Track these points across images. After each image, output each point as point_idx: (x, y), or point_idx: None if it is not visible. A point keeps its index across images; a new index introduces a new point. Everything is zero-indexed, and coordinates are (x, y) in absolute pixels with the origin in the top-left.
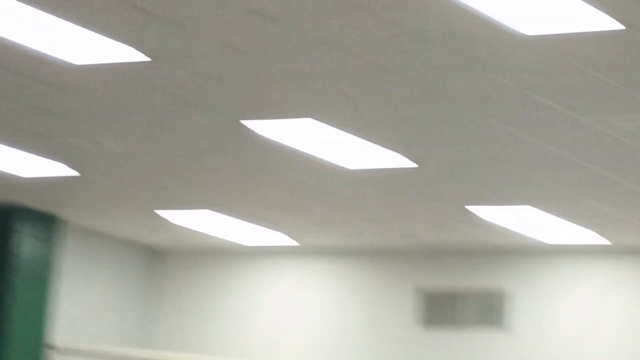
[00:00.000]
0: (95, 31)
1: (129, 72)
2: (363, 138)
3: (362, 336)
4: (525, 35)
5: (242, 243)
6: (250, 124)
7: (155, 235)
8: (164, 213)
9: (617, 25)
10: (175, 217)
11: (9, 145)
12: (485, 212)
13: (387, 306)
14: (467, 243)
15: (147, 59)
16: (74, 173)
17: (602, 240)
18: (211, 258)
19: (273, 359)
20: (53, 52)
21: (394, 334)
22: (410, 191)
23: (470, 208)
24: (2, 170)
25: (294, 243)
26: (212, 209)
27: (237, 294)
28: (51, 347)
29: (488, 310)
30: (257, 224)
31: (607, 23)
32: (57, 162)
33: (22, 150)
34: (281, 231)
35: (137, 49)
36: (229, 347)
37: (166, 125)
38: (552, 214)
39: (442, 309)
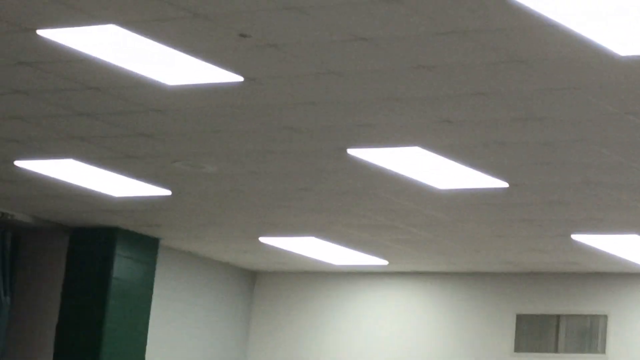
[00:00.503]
0: (197, 57)
1: (226, 94)
2: (461, 162)
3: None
4: (624, 56)
5: (336, 264)
6: (353, 152)
7: (251, 258)
8: (265, 240)
9: None
10: (276, 242)
11: (106, 168)
12: (586, 239)
13: (483, 331)
14: (566, 268)
15: (244, 80)
16: (169, 193)
17: None
18: (306, 279)
19: None
20: (151, 74)
21: (490, 359)
22: (507, 215)
23: (574, 236)
24: (101, 192)
25: (389, 265)
26: (313, 235)
27: (335, 313)
28: None
29: (587, 336)
30: (356, 247)
31: None
32: (154, 184)
33: (119, 172)
34: (378, 254)
35: (235, 71)
36: None
37: (265, 148)
38: None
39: (540, 334)
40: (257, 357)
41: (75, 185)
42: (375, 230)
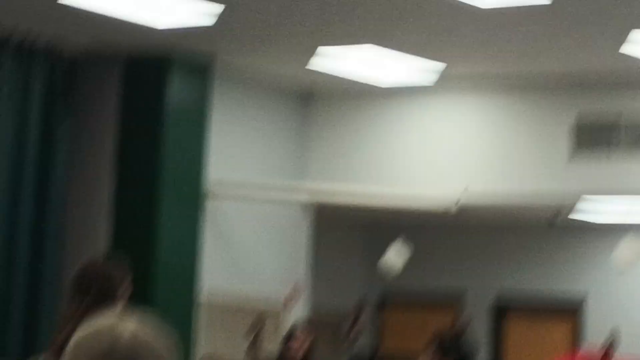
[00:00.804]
0: None
1: None
2: None
3: (513, 165)
4: None
5: (388, 84)
6: None
7: (306, 77)
8: (324, 49)
9: None
10: (335, 52)
11: None
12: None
13: (538, 140)
14: (622, 69)
15: None
16: (221, 8)
17: None
18: (359, 99)
19: (417, 186)
20: None
21: (546, 167)
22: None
23: (622, 48)
24: (146, 20)
25: (447, 69)
26: (372, 42)
27: (383, 129)
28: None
29: None
30: (414, 52)
31: None
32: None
33: None
34: (436, 58)
35: None
36: (376, 177)
37: None
38: None
39: (596, 139)
40: (315, 172)
41: (123, 15)
42: (435, 35)
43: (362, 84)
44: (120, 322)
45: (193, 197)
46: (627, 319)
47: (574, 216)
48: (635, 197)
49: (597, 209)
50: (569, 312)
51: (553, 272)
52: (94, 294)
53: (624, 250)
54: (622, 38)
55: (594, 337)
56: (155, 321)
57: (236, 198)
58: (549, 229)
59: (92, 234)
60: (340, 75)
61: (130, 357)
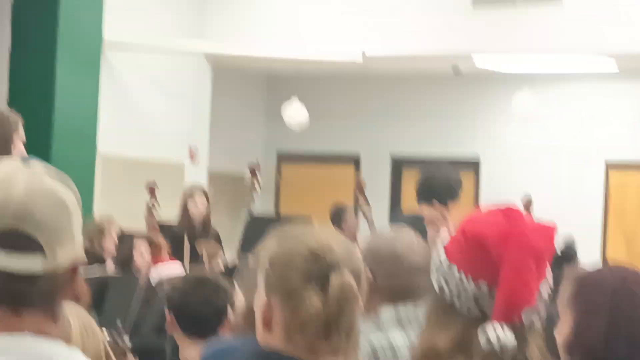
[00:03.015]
0: None
1: None
2: None
3: (416, 20)
4: None
5: None
6: None
7: None
8: None
9: None
10: None
11: None
12: None
13: None
14: None
15: None
16: None
17: None
18: None
19: (316, 49)
20: None
21: (448, 14)
22: None
23: None
24: None
25: None
26: None
27: None
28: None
29: None
30: None
31: None
32: None
33: None
34: None
35: None
36: (275, 36)
37: None
38: None
39: None
40: (213, 31)
41: None
42: None
43: None
44: (16, 171)
45: (90, 53)
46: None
47: (477, 64)
48: (529, 52)
49: (498, 59)
50: (469, 167)
51: (452, 127)
52: None
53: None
54: None
55: (489, 191)
56: (56, 171)
57: (134, 53)
58: (453, 78)
59: None
60: None
61: (25, 209)
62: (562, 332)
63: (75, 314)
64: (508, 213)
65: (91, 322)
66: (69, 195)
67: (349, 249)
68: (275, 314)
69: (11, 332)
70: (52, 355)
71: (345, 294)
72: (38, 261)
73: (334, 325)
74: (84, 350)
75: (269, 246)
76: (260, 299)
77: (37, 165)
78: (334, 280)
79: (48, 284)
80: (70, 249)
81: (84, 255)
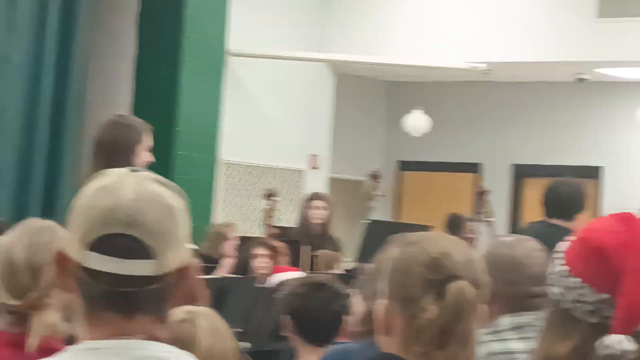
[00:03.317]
0: None
1: None
2: None
3: (538, 29)
4: None
5: None
6: None
7: None
8: None
9: None
10: None
11: None
12: None
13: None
14: None
15: None
16: None
17: None
18: None
19: (439, 56)
20: None
21: (572, 26)
22: None
23: None
24: None
25: None
26: None
27: None
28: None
29: None
30: None
31: None
32: None
33: None
34: None
35: None
36: (395, 48)
37: None
38: None
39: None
40: (335, 44)
41: None
42: None
43: None
44: (125, 178)
45: (214, 62)
46: None
47: (600, 73)
48: None
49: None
50: (591, 176)
51: (574, 136)
52: (110, 151)
53: None
54: None
55: (612, 200)
56: (167, 180)
57: (257, 62)
58: (577, 86)
59: (113, 100)
60: None
61: (134, 214)
62: None
63: (204, 315)
64: (628, 220)
65: (222, 323)
66: (176, 201)
67: (470, 257)
68: (395, 321)
69: (122, 337)
70: (163, 358)
71: (461, 302)
72: (148, 265)
73: (450, 334)
74: (213, 351)
75: (390, 252)
76: (381, 305)
77: (145, 173)
78: (451, 288)
79: (158, 288)
80: (178, 253)
81: (194, 259)
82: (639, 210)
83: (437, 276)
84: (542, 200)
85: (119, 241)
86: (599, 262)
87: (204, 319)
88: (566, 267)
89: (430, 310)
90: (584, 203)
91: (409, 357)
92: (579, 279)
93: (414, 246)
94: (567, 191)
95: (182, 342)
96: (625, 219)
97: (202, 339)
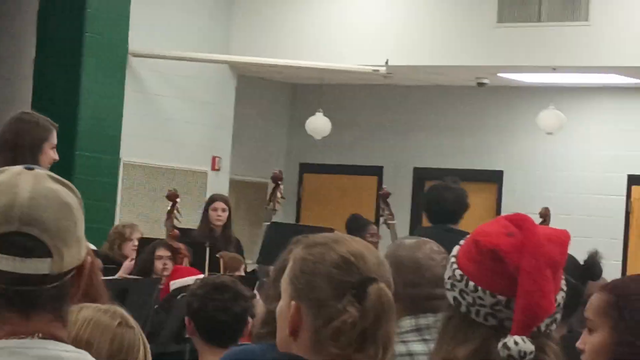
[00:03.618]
0: None
1: None
2: None
3: (438, 33)
4: None
5: None
6: None
7: None
8: None
9: None
10: None
11: None
12: None
13: (464, 3)
14: None
15: None
16: None
17: None
18: None
19: (340, 59)
20: None
21: (472, 30)
22: None
23: None
24: None
25: None
26: None
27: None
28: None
29: (570, 3)
30: None
31: None
32: None
33: None
34: None
35: None
36: (298, 51)
37: None
38: None
39: (523, 3)
40: (237, 46)
41: None
42: None
43: None
44: (20, 176)
45: (116, 61)
46: (548, 187)
47: (500, 77)
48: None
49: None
50: (490, 181)
51: (475, 140)
52: (15, 148)
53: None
54: None
55: (511, 204)
56: (62, 178)
57: (159, 62)
58: (477, 90)
59: (13, 100)
60: None
61: (30, 212)
62: (594, 343)
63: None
64: (520, 222)
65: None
66: (72, 198)
67: (380, 259)
68: (304, 322)
69: (20, 336)
70: (62, 357)
71: (383, 305)
72: (45, 264)
73: (371, 337)
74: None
75: (296, 253)
76: (286, 306)
77: (40, 171)
78: (372, 290)
79: (56, 287)
80: (76, 251)
81: (94, 258)
82: (539, 214)
83: (351, 278)
84: (426, 207)
85: (16, 240)
86: (494, 265)
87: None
88: (460, 271)
89: (350, 312)
90: (467, 206)
91: (320, 359)
92: (473, 283)
93: (324, 247)
94: (451, 196)
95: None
96: (518, 220)
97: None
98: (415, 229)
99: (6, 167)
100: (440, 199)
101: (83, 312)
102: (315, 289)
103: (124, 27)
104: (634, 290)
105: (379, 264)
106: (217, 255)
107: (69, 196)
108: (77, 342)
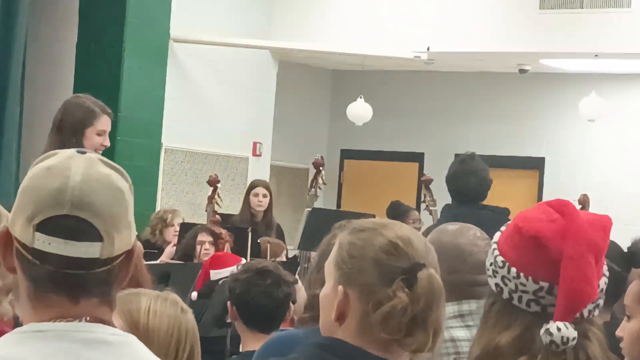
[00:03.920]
0: None
1: None
2: None
3: (480, 19)
4: None
5: None
6: None
7: None
8: None
9: None
10: None
11: None
12: None
13: None
14: None
15: None
16: None
17: None
18: None
19: (381, 45)
20: None
21: (514, 17)
22: None
23: None
24: None
25: None
26: None
27: None
28: (173, 39)
29: None
30: None
31: None
32: None
33: None
34: None
35: None
36: (338, 37)
37: None
38: None
39: None
40: (279, 32)
41: None
42: None
43: None
44: (72, 159)
45: (158, 47)
46: (588, 174)
47: (543, 64)
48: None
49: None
50: (532, 168)
51: (518, 127)
52: (60, 130)
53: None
54: None
55: (554, 192)
56: (114, 163)
57: (201, 48)
58: (519, 77)
59: (54, 85)
60: None
61: (81, 196)
62: (632, 330)
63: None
64: (562, 208)
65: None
66: (123, 184)
67: (427, 245)
68: (352, 307)
69: (68, 319)
70: (108, 341)
71: (434, 290)
72: (96, 248)
73: (422, 323)
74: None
75: (342, 237)
76: (331, 291)
77: (92, 155)
78: (422, 276)
79: (105, 271)
80: (126, 236)
81: (140, 243)
82: (578, 201)
83: (401, 263)
84: (453, 187)
85: (67, 223)
86: (536, 251)
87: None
88: (502, 258)
89: (400, 297)
90: (491, 181)
91: (366, 344)
92: (515, 269)
93: (371, 232)
94: (475, 179)
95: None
96: (559, 206)
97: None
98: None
99: (59, 150)
100: (464, 180)
101: (143, 301)
102: (364, 274)
103: (165, 13)
104: None
105: (426, 249)
106: (259, 241)
107: (120, 181)
108: (143, 331)
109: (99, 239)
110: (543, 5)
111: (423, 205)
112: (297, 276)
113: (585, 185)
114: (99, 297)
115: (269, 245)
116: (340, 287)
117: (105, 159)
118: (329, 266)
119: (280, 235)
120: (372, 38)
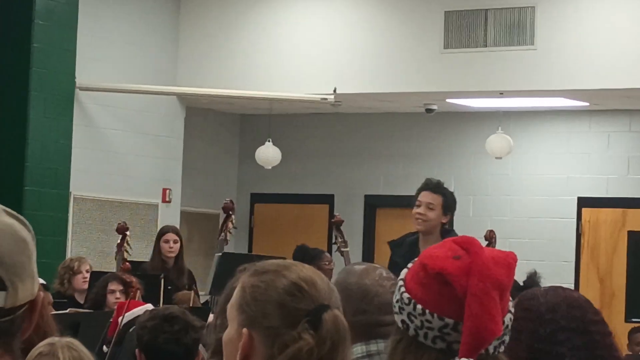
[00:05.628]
0: None
1: None
2: None
3: (385, 60)
4: None
5: None
6: None
7: None
8: None
9: None
10: None
11: None
12: None
13: (411, 30)
14: None
15: None
16: None
17: None
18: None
19: (288, 88)
20: None
21: (419, 57)
22: None
23: None
24: None
25: None
26: None
27: (254, 28)
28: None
29: (515, 28)
30: None
31: None
32: None
33: None
34: None
35: None
36: (245, 81)
37: None
38: None
39: (469, 30)
40: (188, 71)
41: None
42: None
43: None
44: None
45: (63, 95)
46: (499, 209)
47: (449, 103)
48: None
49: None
50: None
51: (424, 166)
52: None
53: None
54: None
55: (462, 230)
56: (16, 213)
57: (107, 95)
58: (426, 117)
59: None
60: None
61: None
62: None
63: (67, 346)
64: (467, 246)
65: (86, 353)
66: (27, 234)
67: (330, 285)
68: (257, 350)
69: None
70: None
71: (339, 332)
72: (0, 297)
73: None
74: None
75: (245, 280)
76: (235, 334)
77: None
78: (327, 317)
79: (8, 321)
80: (29, 286)
81: (49, 292)
82: (484, 237)
83: (305, 305)
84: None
85: None
86: (441, 288)
87: (67, 350)
88: (408, 295)
89: (306, 339)
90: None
91: None
92: (420, 306)
93: (273, 274)
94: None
95: None
96: (465, 243)
97: None
98: (368, 255)
99: None
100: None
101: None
102: (268, 316)
103: (70, 61)
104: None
105: (330, 290)
106: (171, 290)
107: (23, 231)
108: None
109: (3, 288)
110: (447, 45)
111: (335, 247)
112: (209, 321)
113: (494, 222)
114: (1, 347)
115: (179, 298)
116: (244, 330)
117: (8, 209)
118: (232, 309)
119: (192, 281)
120: (278, 81)
